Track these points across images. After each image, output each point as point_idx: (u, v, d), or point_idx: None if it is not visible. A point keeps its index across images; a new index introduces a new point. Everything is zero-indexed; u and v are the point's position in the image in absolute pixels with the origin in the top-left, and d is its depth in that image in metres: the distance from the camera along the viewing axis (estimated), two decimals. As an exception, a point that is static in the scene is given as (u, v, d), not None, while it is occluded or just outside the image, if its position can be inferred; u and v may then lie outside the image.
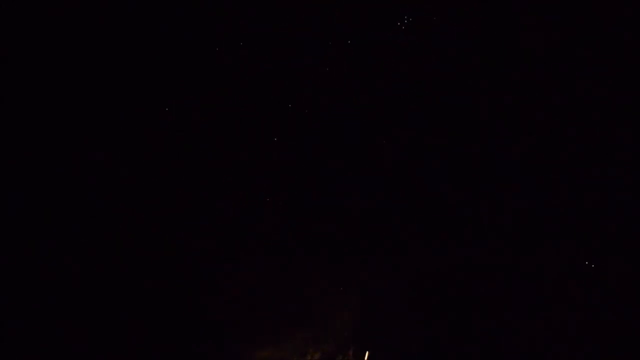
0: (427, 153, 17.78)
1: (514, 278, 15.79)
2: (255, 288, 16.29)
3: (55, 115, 17.35)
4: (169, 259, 16.37)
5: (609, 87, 16.44)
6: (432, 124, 17.74)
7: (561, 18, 16.86)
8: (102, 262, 16.16)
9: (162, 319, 15.69)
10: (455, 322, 15.73)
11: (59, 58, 17.36)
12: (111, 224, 16.62)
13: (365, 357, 14.56)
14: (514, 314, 15.55)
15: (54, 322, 15.11)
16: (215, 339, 15.23)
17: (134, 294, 15.93)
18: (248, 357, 15.39)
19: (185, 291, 15.85)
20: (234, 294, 15.98)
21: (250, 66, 18.63)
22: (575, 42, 16.73)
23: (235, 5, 18.00)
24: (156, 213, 16.96)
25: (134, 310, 15.77)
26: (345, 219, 17.03)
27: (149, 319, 15.65)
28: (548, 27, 16.99)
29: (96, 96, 17.50)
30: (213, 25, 18.04)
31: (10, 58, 16.81)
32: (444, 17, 18.02)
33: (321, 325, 16.20)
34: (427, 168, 17.94)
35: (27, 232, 15.88)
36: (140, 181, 17.15)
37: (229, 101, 18.49)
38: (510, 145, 17.51)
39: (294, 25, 18.35)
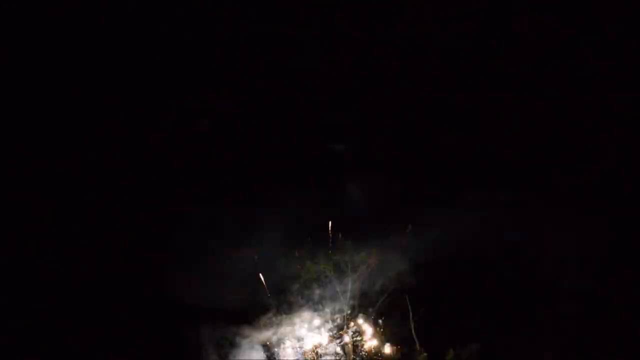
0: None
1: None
2: (257, 273, 16.25)
3: (55, 115, 17.23)
4: (171, 249, 16.30)
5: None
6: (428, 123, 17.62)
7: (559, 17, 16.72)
8: (102, 258, 16.03)
9: (167, 308, 15.67)
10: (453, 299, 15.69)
11: (59, 58, 17.27)
12: (107, 222, 16.50)
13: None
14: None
15: (53, 321, 14.99)
16: (219, 320, 15.27)
17: (138, 286, 15.88)
18: (249, 337, 15.47)
19: (190, 273, 15.82)
20: (237, 279, 15.98)
21: (250, 66, 18.52)
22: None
23: (235, 5, 17.92)
24: (157, 210, 16.86)
25: (139, 301, 15.72)
26: (346, 207, 17.10)
27: (155, 304, 15.63)
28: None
29: (95, 96, 17.38)
30: (213, 25, 17.97)
31: (11, 58, 16.74)
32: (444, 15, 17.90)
33: (319, 309, 16.19)
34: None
35: (27, 232, 15.76)
36: (137, 180, 17.07)
37: (230, 100, 18.41)
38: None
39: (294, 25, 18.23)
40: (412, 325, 15.39)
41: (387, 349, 15.59)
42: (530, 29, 17.54)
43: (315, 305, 16.16)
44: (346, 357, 15.75)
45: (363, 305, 16.25)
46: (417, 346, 15.07)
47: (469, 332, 15.18)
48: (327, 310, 16.15)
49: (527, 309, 15.44)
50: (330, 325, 16.03)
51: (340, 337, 15.82)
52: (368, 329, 15.99)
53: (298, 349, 15.73)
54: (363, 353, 15.72)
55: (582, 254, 15.64)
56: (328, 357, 15.75)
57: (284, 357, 15.61)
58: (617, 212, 15.90)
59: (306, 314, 15.95)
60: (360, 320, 16.12)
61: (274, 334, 15.64)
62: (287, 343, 15.69)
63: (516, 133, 17.65)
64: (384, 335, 15.85)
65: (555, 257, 15.91)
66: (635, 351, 14.52)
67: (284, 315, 15.92)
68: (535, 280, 15.68)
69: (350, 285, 16.11)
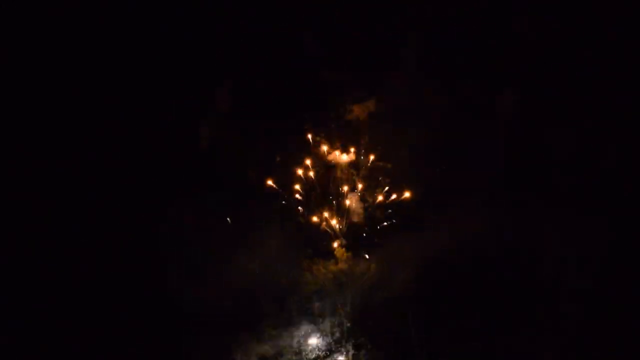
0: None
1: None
2: (255, 287, 16.17)
3: (55, 115, 17.17)
4: (172, 256, 16.23)
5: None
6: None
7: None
8: (102, 260, 15.97)
9: (167, 314, 15.61)
10: (449, 320, 15.60)
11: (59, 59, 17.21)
12: (108, 224, 16.43)
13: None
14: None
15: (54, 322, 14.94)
16: (216, 335, 15.19)
17: (138, 286, 15.83)
18: (247, 351, 15.36)
19: (186, 289, 15.74)
20: (235, 293, 15.89)
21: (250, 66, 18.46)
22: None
23: (235, 5, 17.87)
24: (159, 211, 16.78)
25: (139, 301, 15.67)
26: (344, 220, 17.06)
27: (153, 315, 15.58)
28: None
29: (95, 96, 17.31)
30: (213, 25, 17.92)
31: (11, 58, 16.69)
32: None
33: (318, 322, 16.03)
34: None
35: (27, 232, 15.72)
36: (137, 180, 17.01)
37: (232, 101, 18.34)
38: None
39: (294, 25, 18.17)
40: (412, 331, 15.21)
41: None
42: (530, 29, 17.54)
43: (315, 318, 15.83)
44: None
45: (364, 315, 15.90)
46: (416, 349, 14.97)
47: (469, 332, 15.15)
48: (327, 322, 15.80)
49: (527, 309, 15.41)
50: (329, 338, 15.69)
51: (339, 349, 15.53)
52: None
53: None
54: None
55: (582, 254, 15.61)
56: None
57: None
58: (617, 212, 15.88)
59: (305, 326, 15.60)
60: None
61: (272, 347, 15.32)
62: (285, 356, 15.37)
63: (516, 133, 17.64)
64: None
65: (555, 257, 15.87)
66: (635, 351, 14.50)
67: (283, 328, 15.53)
68: (535, 280, 15.65)
69: (350, 298, 15.96)
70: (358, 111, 18.32)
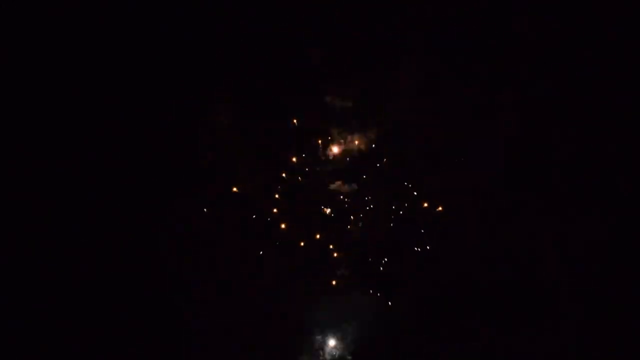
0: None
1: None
2: (256, 315, 16.10)
3: (55, 115, 17.20)
4: (174, 266, 16.26)
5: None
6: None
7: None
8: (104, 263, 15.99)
9: (166, 314, 15.60)
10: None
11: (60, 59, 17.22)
12: (110, 225, 16.44)
13: None
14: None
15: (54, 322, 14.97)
16: (216, 336, 15.19)
17: (138, 286, 15.82)
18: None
19: (186, 289, 15.73)
20: (235, 295, 15.87)
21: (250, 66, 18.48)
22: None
23: (235, 5, 17.88)
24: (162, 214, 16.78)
25: (139, 301, 15.64)
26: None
27: (153, 315, 15.57)
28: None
29: (95, 97, 17.33)
30: (213, 25, 17.94)
31: (11, 58, 16.70)
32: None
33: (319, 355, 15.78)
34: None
35: (27, 232, 15.74)
36: (137, 182, 17.03)
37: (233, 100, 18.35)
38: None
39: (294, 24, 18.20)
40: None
41: None
42: (530, 29, 17.56)
43: (316, 351, 15.56)
44: None
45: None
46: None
47: (469, 332, 15.16)
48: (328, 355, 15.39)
49: (527, 309, 15.43)
50: None
51: None
52: None
53: None
54: None
55: (582, 254, 15.64)
56: None
57: None
58: (617, 212, 15.92)
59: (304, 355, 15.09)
60: None
61: None
62: None
63: (516, 133, 17.69)
64: None
65: (555, 257, 15.91)
66: (635, 351, 14.53)
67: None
68: (535, 280, 15.67)
69: (351, 333, 15.52)
70: (360, 141, 18.14)
